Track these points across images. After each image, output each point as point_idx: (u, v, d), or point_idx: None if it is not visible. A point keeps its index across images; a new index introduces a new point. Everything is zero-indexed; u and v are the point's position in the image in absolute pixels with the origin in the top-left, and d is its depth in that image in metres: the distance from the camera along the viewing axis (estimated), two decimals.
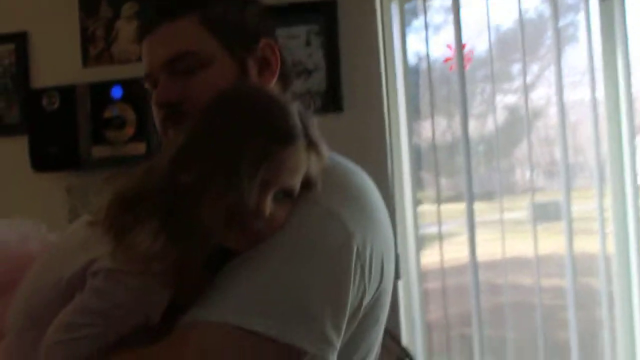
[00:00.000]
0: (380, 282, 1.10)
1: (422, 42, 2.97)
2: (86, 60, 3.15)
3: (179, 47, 1.15)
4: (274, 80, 1.22)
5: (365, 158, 2.78)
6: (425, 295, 2.99)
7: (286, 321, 0.97)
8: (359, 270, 1.04)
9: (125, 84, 2.99)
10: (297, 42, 2.84)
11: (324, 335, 0.99)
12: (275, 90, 1.21)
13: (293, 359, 0.98)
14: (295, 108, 1.06)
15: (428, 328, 2.99)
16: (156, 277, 0.99)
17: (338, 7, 2.84)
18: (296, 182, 1.04)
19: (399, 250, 2.86)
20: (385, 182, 2.80)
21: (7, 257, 1.20)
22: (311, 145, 1.06)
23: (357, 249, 1.04)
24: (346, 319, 1.03)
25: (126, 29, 3.11)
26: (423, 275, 2.99)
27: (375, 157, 2.80)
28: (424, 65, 2.99)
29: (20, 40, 3.19)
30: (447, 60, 2.97)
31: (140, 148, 2.93)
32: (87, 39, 3.13)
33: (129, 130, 2.97)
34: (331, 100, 2.83)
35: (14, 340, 1.09)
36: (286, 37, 2.83)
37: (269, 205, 1.01)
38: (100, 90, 2.99)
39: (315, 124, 1.10)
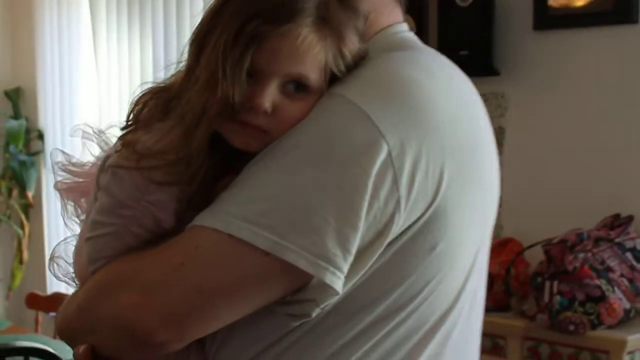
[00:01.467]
0: (434, 200, 0.90)
1: None
2: None
3: None
4: None
5: None
6: None
7: (281, 232, 0.85)
8: (388, 177, 0.86)
9: None
10: None
11: (323, 253, 0.85)
12: None
13: (287, 276, 0.87)
14: None
15: None
16: (152, 175, 0.92)
17: None
18: (307, 71, 0.89)
19: None
20: None
21: None
22: (325, 26, 0.89)
23: (389, 151, 0.86)
24: (358, 234, 0.86)
25: None
26: None
27: None
28: None
29: None
30: None
31: None
32: None
33: None
34: (623, 9, 2.45)
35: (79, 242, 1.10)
36: None
37: (268, 98, 0.89)
38: None
39: (360, 11, 0.94)
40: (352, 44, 0.92)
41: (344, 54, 0.91)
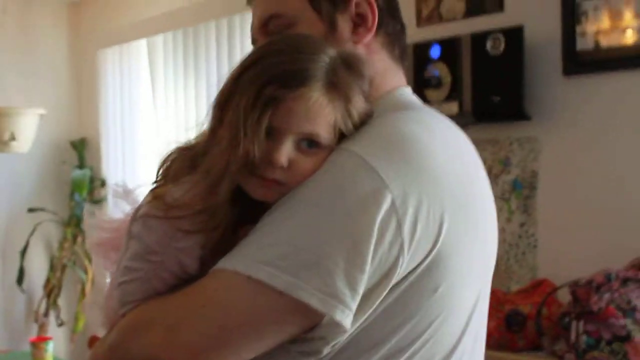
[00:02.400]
0: (435, 244, 0.98)
1: None
2: (419, 20, 3.20)
3: (268, 9, 1.16)
4: (369, 36, 1.15)
5: None
6: None
7: (295, 274, 0.92)
8: (392, 224, 0.94)
9: (444, 43, 2.97)
10: None
11: (333, 293, 0.92)
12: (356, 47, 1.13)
13: (300, 314, 0.94)
14: (325, 53, 1.01)
15: None
16: (179, 224, 1.00)
17: None
18: (318, 130, 0.99)
19: None
20: None
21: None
22: (334, 89, 0.99)
23: (393, 200, 0.94)
24: (365, 276, 0.93)
25: None
26: None
27: None
28: None
29: None
30: None
31: (453, 108, 2.91)
32: None
33: (445, 90, 2.96)
34: None
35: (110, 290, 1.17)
36: None
37: (284, 154, 0.98)
38: (422, 50, 3.01)
39: (365, 75, 1.04)
40: (358, 105, 1.02)
41: (351, 113, 1.01)
